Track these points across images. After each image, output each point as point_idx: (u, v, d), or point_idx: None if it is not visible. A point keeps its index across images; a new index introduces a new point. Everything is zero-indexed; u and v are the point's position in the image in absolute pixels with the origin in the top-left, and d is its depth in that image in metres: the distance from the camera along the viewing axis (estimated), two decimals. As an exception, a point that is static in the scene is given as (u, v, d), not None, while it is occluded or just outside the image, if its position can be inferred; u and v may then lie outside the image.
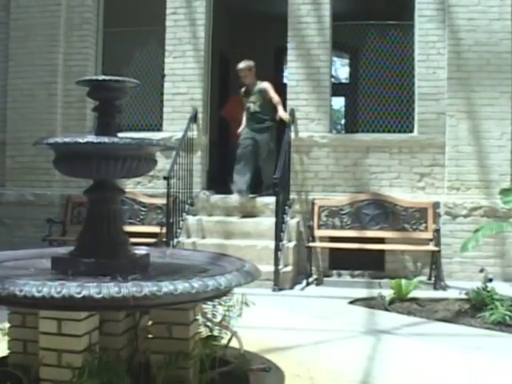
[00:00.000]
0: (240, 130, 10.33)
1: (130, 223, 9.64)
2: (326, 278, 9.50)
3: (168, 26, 10.35)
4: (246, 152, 10.00)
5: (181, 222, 9.39)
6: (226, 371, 4.44)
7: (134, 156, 4.13)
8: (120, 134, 4.31)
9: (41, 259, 4.62)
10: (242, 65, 10.10)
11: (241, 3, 13.39)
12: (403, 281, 7.86)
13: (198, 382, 4.19)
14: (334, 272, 9.75)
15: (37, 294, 3.38)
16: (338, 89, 13.56)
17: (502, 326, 6.51)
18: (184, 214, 9.54)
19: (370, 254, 9.28)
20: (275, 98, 9.95)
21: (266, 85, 10.08)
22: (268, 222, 9.11)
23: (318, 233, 9.64)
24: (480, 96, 9.51)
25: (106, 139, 4.01)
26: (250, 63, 10.13)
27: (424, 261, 9.47)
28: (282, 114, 9.79)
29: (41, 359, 3.80)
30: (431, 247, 9.22)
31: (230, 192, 9.94)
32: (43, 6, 10.63)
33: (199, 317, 4.54)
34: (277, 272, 8.42)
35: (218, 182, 10.98)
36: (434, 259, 9.17)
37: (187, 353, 4.16)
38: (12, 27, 10.73)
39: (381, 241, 9.47)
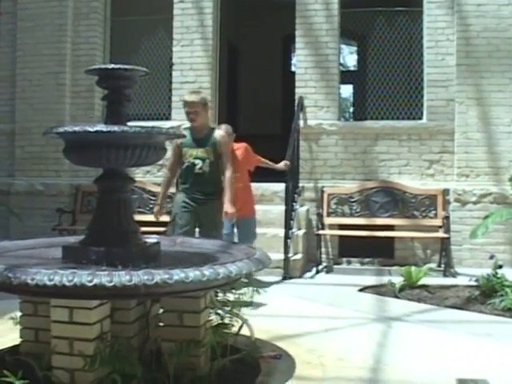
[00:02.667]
0: (156, 208, 7.20)
1: (140, 212, 9.65)
2: (335, 266, 9.50)
3: (175, 15, 10.33)
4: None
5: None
6: (237, 359, 4.45)
7: (143, 145, 4.13)
8: (129, 123, 4.31)
9: (51, 248, 4.63)
10: (192, 97, 6.89)
11: (248, -9, 13.38)
12: (413, 268, 7.86)
13: (209, 370, 4.20)
14: (344, 259, 9.76)
15: (48, 283, 3.39)
16: (346, 76, 13.54)
17: (513, 312, 6.52)
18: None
19: (380, 242, 9.28)
20: (228, 169, 6.81)
21: (221, 137, 6.90)
22: (277, 210, 9.10)
23: (327, 220, 9.65)
24: (489, 82, 9.48)
25: (115, 128, 4.00)
26: (204, 96, 7.10)
27: (434, 248, 9.46)
28: (229, 214, 6.78)
29: (53, 347, 3.82)
30: (441, 234, 9.21)
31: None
32: (50, -5, 10.65)
33: (210, 304, 4.55)
34: (286, 260, 8.43)
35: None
36: (444, 246, 9.17)
37: (198, 340, 4.17)
38: (19, 17, 10.73)
39: (390, 228, 9.48)
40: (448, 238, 9.10)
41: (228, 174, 6.76)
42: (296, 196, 9.46)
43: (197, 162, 6.75)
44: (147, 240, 4.52)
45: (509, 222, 8.80)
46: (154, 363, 4.12)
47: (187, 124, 8.89)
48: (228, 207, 6.69)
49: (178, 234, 6.59)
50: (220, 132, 6.98)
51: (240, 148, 7.94)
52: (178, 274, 3.50)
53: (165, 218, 9.50)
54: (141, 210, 9.82)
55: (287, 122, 9.81)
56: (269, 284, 7.56)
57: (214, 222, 6.79)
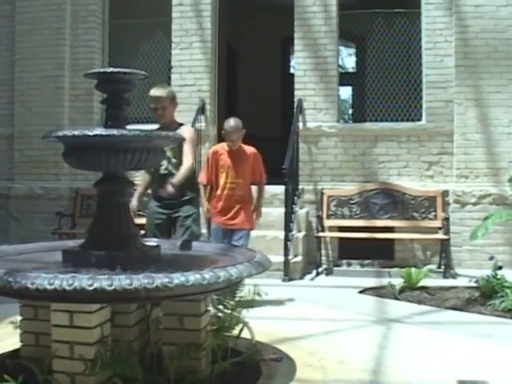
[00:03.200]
0: (134, 202, 6.33)
1: (140, 215, 9.61)
2: (335, 268, 9.50)
3: (174, 18, 10.33)
4: None
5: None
6: (238, 361, 4.45)
7: (143, 148, 4.12)
8: (128, 127, 4.31)
9: (51, 252, 4.63)
10: (159, 91, 6.29)
11: (247, -7, 13.38)
12: (413, 269, 7.85)
13: (210, 373, 4.20)
14: (344, 262, 9.76)
15: (48, 287, 3.39)
16: (344, 78, 13.56)
17: (513, 313, 6.51)
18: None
19: (380, 243, 9.28)
20: (187, 157, 6.11)
21: (188, 133, 6.16)
22: (277, 212, 9.08)
23: (327, 223, 9.64)
24: (488, 83, 9.48)
25: (115, 131, 4.00)
26: (172, 90, 6.61)
27: (433, 249, 9.46)
28: (168, 189, 5.95)
29: (53, 351, 3.82)
30: (440, 236, 9.21)
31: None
32: (48, -1, 10.66)
33: (210, 308, 4.55)
34: (287, 262, 8.43)
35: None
36: (444, 248, 9.17)
37: (199, 344, 4.17)
38: (17, 21, 10.74)
39: (390, 230, 9.48)
40: (448, 240, 9.10)
41: (186, 164, 6.02)
42: (296, 198, 9.46)
43: (163, 162, 6.04)
44: (147, 243, 4.53)
45: (508, 223, 8.80)
46: (155, 367, 4.12)
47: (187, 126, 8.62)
48: (168, 187, 5.90)
49: None
50: (187, 128, 6.40)
51: (251, 152, 7.02)
52: (178, 278, 3.49)
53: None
54: (140, 213, 9.78)
55: (286, 124, 9.81)
56: (269, 286, 7.53)
57: (188, 226, 6.19)
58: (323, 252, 9.60)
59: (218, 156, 7.00)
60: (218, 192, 6.97)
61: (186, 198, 6.23)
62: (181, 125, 6.35)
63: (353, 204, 9.68)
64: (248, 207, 7.04)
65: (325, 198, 9.73)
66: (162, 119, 6.24)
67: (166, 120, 6.24)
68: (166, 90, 6.31)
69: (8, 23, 10.88)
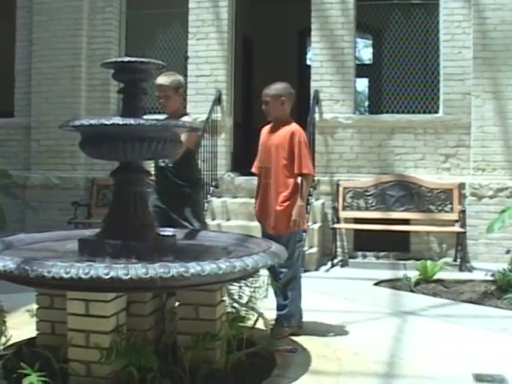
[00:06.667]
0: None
1: (155, 206, 9.64)
2: (350, 260, 9.48)
3: (191, 8, 10.33)
4: None
5: (205, 204, 9.37)
6: (253, 352, 4.46)
7: (159, 138, 4.13)
8: (145, 116, 4.31)
9: (67, 241, 4.64)
10: (162, 79, 5.70)
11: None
12: (429, 262, 7.83)
13: (225, 363, 4.21)
14: (359, 253, 9.73)
15: (65, 276, 3.40)
16: (361, 70, 13.48)
17: (529, 307, 6.48)
18: (209, 195, 9.54)
19: (395, 236, 9.24)
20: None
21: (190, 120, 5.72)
22: (292, 203, 9.07)
23: (342, 214, 9.62)
24: (506, 76, 9.40)
25: (131, 121, 4.00)
26: (178, 78, 5.85)
27: (449, 242, 9.41)
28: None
29: (69, 340, 3.84)
30: (456, 228, 9.17)
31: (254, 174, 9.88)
32: (66, -11, 10.68)
33: (226, 298, 4.55)
34: (302, 253, 8.40)
35: (243, 163, 10.94)
36: (460, 240, 9.13)
37: (214, 334, 4.17)
38: (35, 11, 10.77)
39: (406, 222, 9.44)
40: (464, 233, 9.05)
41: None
42: (311, 190, 9.43)
43: None
44: (163, 233, 4.53)
45: (525, 217, 8.76)
46: (170, 356, 4.12)
47: (203, 118, 8.70)
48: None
49: None
50: (187, 118, 5.76)
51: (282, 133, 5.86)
52: (194, 267, 3.50)
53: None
54: (156, 203, 9.81)
55: (303, 115, 9.76)
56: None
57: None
58: (338, 244, 9.58)
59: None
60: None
61: (183, 194, 5.67)
62: (182, 115, 5.78)
63: (369, 196, 9.66)
64: (284, 208, 5.73)
65: (341, 190, 9.71)
66: (166, 109, 5.76)
67: (170, 110, 5.74)
68: (171, 79, 5.70)
69: (26, 13, 10.93)
